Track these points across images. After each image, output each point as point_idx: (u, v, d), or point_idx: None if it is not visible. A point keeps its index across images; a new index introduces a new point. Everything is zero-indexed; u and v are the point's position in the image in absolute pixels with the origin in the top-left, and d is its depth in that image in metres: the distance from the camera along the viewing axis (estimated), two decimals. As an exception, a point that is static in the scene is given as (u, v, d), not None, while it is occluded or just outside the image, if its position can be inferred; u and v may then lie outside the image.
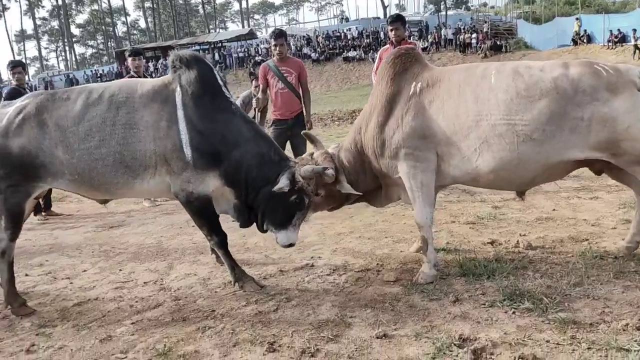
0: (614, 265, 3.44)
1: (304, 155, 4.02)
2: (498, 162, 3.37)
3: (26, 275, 4.61)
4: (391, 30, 6.33)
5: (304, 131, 4.14)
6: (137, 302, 3.81)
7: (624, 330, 2.68)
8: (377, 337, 2.89)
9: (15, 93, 6.01)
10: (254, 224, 3.92)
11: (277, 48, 6.25)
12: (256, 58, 39.27)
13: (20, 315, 3.72)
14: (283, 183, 3.62)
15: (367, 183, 3.94)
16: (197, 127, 3.63)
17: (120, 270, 4.56)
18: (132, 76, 6.95)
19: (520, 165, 3.36)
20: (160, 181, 3.72)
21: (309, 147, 4.39)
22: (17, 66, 7.01)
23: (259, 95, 6.52)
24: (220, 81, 3.85)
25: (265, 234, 3.97)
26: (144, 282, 4.19)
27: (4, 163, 3.68)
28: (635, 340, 2.55)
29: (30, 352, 3.19)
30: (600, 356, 2.47)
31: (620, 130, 3.21)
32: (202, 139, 3.62)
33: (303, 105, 6.44)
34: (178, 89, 3.70)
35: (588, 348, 2.55)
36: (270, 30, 45.30)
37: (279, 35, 6.34)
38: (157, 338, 3.18)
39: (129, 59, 7.20)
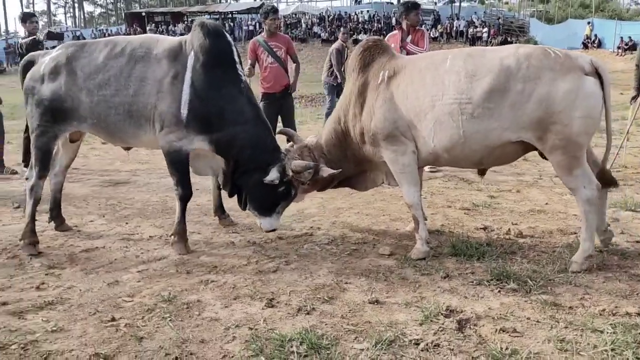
0: (598, 257, 3.62)
1: (288, 147, 4.18)
2: (448, 141, 3.55)
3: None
4: (405, 17, 6.44)
5: (281, 129, 4.34)
6: (142, 253, 3.99)
7: (600, 314, 2.87)
8: (370, 302, 3.08)
9: (36, 43, 6.27)
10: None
11: (274, 23, 6.56)
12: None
13: (28, 254, 3.95)
14: (274, 176, 3.81)
15: (350, 170, 4.10)
16: (199, 93, 3.79)
17: (127, 223, 4.74)
18: None
19: (466, 145, 3.53)
20: (157, 133, 3.91)
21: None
22: (31, 16, 7.21)
23: (247, 68, 6.72)
24: (236, 58, 3.97)
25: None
26: (150, 236, 4.37)
27: (38, 105, 4.06)
28: (610, 324, 2.73)
29: (40, 289, 3.37)
30: (576, 335, 2.66)
31: (554, 112, 3.29)
32: (200, 104, 3.79)
33: (293, 73, 6.81)
34: (192, 53, 3.85)
35: (565, 327, 2.74)
36: (281, 5, 45.08)
37: (276, 11, 6.79)
38: (162, 286, 3.37)
39: None
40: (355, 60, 3.94)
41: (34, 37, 6.78)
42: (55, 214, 4.57)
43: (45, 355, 2.57)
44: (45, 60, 4.14)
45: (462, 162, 3.80)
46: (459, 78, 3.50)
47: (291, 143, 4.27)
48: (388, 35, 6.90)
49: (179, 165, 3.95)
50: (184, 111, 3.78)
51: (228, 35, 4.06)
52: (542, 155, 3.60)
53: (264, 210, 3.97)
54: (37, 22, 7.25)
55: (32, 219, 4.13)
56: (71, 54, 4.06)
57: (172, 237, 4.04)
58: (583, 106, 3.28)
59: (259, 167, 3.85)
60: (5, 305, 3.13)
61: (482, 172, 4.11)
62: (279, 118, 6.70)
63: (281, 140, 4.39)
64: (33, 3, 70.43)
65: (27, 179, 4.47)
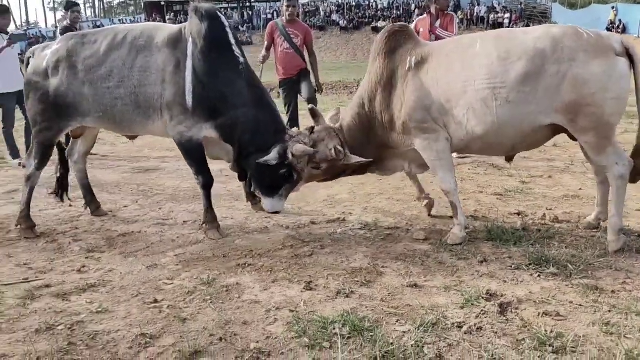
0: (637, 241, 3.57)
1: (302, 129, 4.10)
2: (482, 128, 3.51)
3: (70, 205, 4.87)
4: (434, 1, 6.37)
5: (310, 106, 4.27)
6: (178, 237, 4.04)
7: (644, 298, 2.84)
8: (408, 286, 3.08)
9: (68, 31, 6.21)
10: None
11: (289, 9, 6.54)
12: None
13: (25, 237, 4.06)
14: (272, 156, 3.76)
15: (370, 156, 4.01)
16: (201, 78, 3.78)
17: (160, 209, 4.79)
18: None
19: (500, 131, 3.49)
20: (165, 123, 3.93)
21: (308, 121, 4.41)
22: (74, 5, 7.29)
23: (264, 51, 6.76)
24: (232, 40, 3.92)
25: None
26: (184, 221, 4.42)
27: (42, 101, 4.05)
28: (655, 308, 2.71)
29: (82, 272, 3.44)
30: (621, 318, 2.63)
31: (587, 94, 3.26)
32: (203, 90, 3.78)
33: (310, 66, 6.76)
34: (190, 39, 3.83)
35: (609, 311, 2.71)
36: (300, -7, 44.82)
37: None
38: (200, 270, 3.41)
39: None
40: (380, 45, 3.88)
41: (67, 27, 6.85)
42: (90, 200, 4.64)
43: (92, 335, 2.62)
44: (47, 54, 4.11)
45: (495, 148, 3.76)
46: (491, 61, 3.44)
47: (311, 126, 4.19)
48: (416, 19, 6.83)
49: (194, 154, 3.97)
50: (189, 99, 3.78)
51: (223, 18, 3.97)
52: (571, 136, 3.58)
53: (266, 191, 3.94)
54: (79, 12, 7.35)
55: (27, 206, 4.21)
56: (71, 46, 4.03)
57: (204, 225, 4.07)
58: (615, 88, 3.26)
59: (261, 150, 3.80)
60: (48, 288, 3.19)
61: (509, 159, 4.09)
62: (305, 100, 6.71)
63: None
64: (54, -7, 71.16)
65: (24, 167, 4.53)
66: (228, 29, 3.93)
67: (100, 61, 3.94)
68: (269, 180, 3.89)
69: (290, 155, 3.79)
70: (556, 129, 3.50)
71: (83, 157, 4.64)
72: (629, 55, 3.32)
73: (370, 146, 3.99)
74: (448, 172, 3.78)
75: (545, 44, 3.35)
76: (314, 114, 4.13)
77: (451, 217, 4.27)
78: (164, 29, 4.01)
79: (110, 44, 3.96)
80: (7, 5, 7.94)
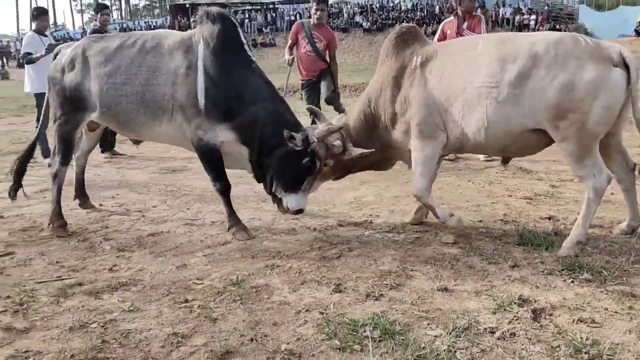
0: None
1: (310, 126, 4.15)
2: (475, 126, 3.54)
3: (100, 205, 4.95)
4: (459, 3, 6.33)
5: (308, 106, 4.32)
6: (206, 238, 4.06)
7: (682, 307, 2.77)
8: (439, 290, 3.05)
9: (97, 34, 6.33)
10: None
11: (318, 13, 6.60)
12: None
13: (57, 236, 4.15)
14: (298, 138, 3.74)
15: (376, 153, 4.05)
16: (214, 79, 3.85)
17: (188, 209, 4.84)
18: None
19: (489, 130, 3.50)
20: (177, 127, 3.98)
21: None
22: (41, 13, 7.39)
23: (287, 52, 6.82)
24: (243, 40, 4.04)
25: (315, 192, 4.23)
26: (212, 222, 4.45)
27: (59, 94, 4.26)
28: (694, 317, 2.64)
29: (113, 271, 3.48)
30: (658, 326, 2.58)
31: (573, 100, 3.25)
32: (216, 90, 3.84)
33: (331, 73, 6.80)
34: (201, 41, 3.93)
35: (646, 319, 2.66)
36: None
37: (321, 0, 6.75)
38: (229, 270, 3.43)
39: None
40: (389, 46, 3.96)
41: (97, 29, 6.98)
42: (80, 193, 4.81)
43: (124, 334, 2.65)
44: (67, 51, 4.33)
45: (486, 148, 3.78)
46: (489, 61, 3.49)
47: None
48: (443, 22, 6.80)
49: (212, 160, 4.00)
50: (202, 100, 3.84)
51: (233, 19, 4.11)
52: None
53: (290, 187, 3.90)
54: (108, 15, 7.51)
55: (58, 203, 4.31)
56: (87, 44, 4.25)
57: (231, 229, 4.08)
58: (606, 96, 3.25)
59: (283, 143, 3.78)
60: (81, 286, 3.24)
61: (505, 161, 4.13)
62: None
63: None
64: (81, -5, 72.48)
65: (49, 165, 4.69)
66: (239, 29, 4.05)
67: (108, 58, 4.10)
68: (293, 174, 3.88)
69: (314, 139, 3.80)
70: (548, 138, 3.48)
71: (86, 154, 4.83)
72: (626, 66, 3.30)
73: (374, 145, 4.04)
74: (425, 177, 3.85)
75: (539, 47, 3.38)
76: (314, 113, 4.21)
77: (480, 222, 4.26)
78: (175, 34, 4.16)
79: (122, 44, 4.13)
80: (45, 7, 8.20)
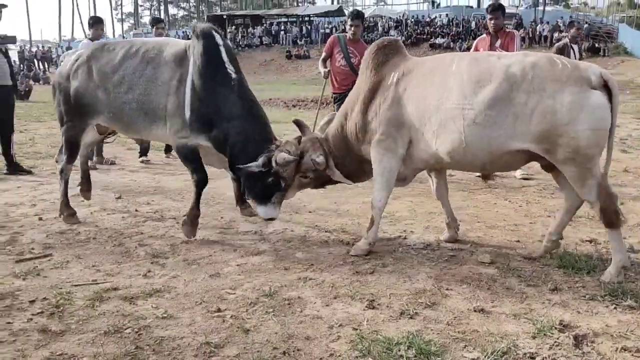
0: None
1: (290, 139, 4.15)
2: (450, 145, 3.49)
3: (136, 210, 5.01)
4: (490, 19, 6.26)
5: (295, 119, 4.32)
6: (240, 247, 4.07)
7: None
8: (475, 311, 2.97)
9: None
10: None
11: (352, 28, 6.65)
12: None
13: (69, 223, 4.59)
14: (255, 164, 3.91)
15: (353, 165, 4.10)
16: (198, 94, 4.01)
17: (222, 218, 4.86)
18: None
19: (467, 149, 3.44)
20: (169, 131, 4.19)
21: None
22: (96, 22, 7.56)
23: (320, 65, 6.82)
24: (224, 57, 4.09)
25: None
26: (245, 231, 4.45)
27: (66, 101, 4.53)
28: None
29: (147, 277, 3.50)
30: None
31: (558, 125, 3.18)
32: (200, 104, 4.02)
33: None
34: (192, 56, 4.08)
35: (695, 351, 2.53)
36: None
37: (357, 16, 6.83)
38: (262, 281, 3.41)
39: None
40: (369, 59, 3.96)
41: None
42: (85, 181, 5.02)
43: (158, 341, 2.66)
44: (72, 59, 4.55)
45: (465, 166, 3.80)
46: (463, 82, 3.45)
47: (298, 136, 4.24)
48: (477, 39, 6.70)
49: (190, 157, 4.20)
50: (187, 112, 4.05)
51: (217, 36, 4.15)
52: (544, 167, 3.65)
53: (259, 199, 4.08)
54: (163, 29, 7.72)
55: (65, 196, 4.71)
56: (91, 52, 4.44)
57: (184, 218, 4.23)
58: (588, 119, 3.17)
59: (251, 159, 3.94)
60: (116, 290, 3.27)
61: (485, 177, 4.13)
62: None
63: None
64: (121, 5, 74.37)
65: (57, 161, 4.97)
66: (221, 47, 4.12)
67: (114, 68, 4.31)
68: (259, 188, 4.04)
69: (274, 164, 3.89)
70: (532, 155, 3.42)
71: (87, 146, 5.01)
72: (607, 87, 3.22)
73: (350, 155, 4.08)
74: (385, 190, 3.86)
75: (515, 70, 3.32)
76: (299, 125, 4.22)
77: (517, 242, 4.17)
78: (173, 45, 4.31)
79: (125, 53, 4.32)
80: (101, 17, 8.42)
